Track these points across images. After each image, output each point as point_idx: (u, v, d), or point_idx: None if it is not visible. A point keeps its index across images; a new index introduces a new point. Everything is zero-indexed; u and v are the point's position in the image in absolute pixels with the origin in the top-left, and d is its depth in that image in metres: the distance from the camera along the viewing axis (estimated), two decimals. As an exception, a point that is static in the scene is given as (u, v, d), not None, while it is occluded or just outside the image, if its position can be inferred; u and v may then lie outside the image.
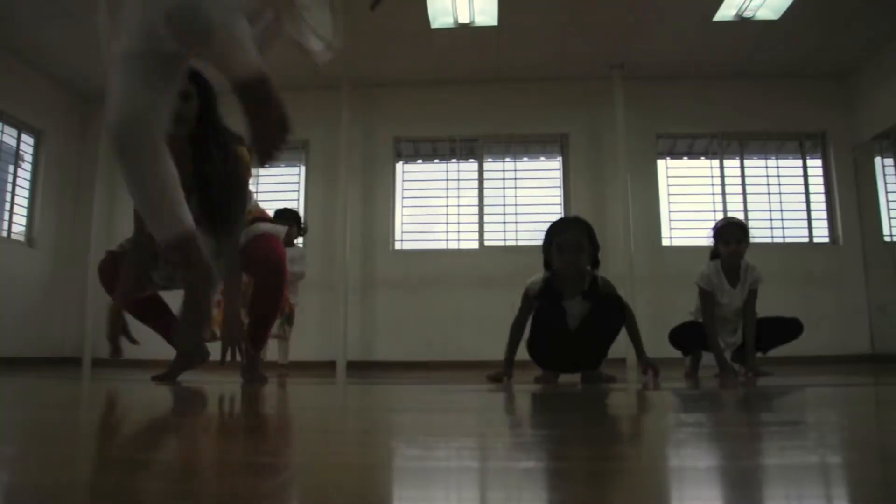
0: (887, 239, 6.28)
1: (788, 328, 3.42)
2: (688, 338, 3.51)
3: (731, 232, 3.37)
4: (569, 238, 2.73)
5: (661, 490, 0.57)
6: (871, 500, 0.53)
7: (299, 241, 5.01)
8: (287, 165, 7.14)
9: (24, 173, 6.62)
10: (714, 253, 3.46)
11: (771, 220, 6.67)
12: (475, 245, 6.79)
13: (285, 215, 4.70)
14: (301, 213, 6.88)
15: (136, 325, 2.43)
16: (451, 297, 6.53)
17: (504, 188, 6.91)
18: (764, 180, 6.79)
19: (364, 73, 6.71)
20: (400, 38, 6.11)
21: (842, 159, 6.65)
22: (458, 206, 6.89)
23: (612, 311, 2.78)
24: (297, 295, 4.71)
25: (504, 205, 6.88)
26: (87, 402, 1.83)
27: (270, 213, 3.54)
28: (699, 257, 3.56)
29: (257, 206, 2.74)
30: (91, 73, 6.29)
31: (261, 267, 2.47)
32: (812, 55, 6.35)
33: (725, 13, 5.70)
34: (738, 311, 3.38)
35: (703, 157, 6.94)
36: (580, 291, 2.79)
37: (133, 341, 2.33)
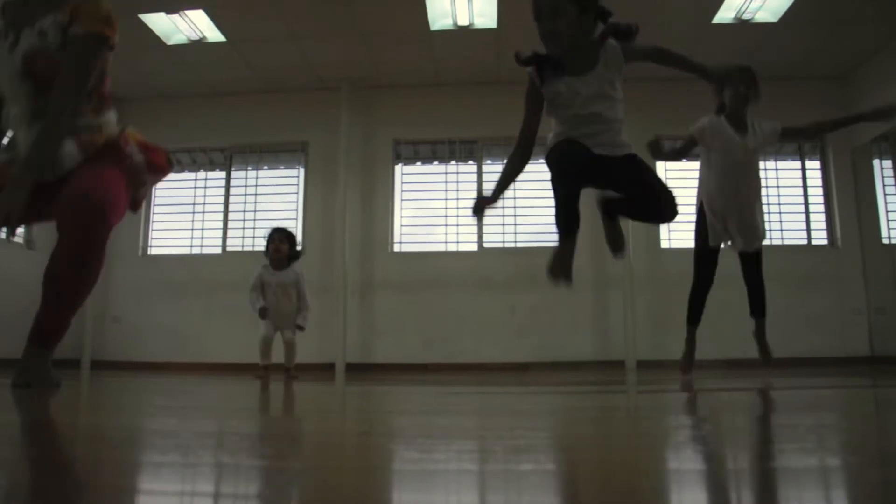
0: (886, 241, 6.28)
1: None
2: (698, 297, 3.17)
3: (741, 77, 2.98)
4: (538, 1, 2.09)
5: (660, 492, 0.57)
6: (870, 502, 0.53)
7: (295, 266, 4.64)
8: (286, 167, 7.14)
9: (23, 175, 6.61)
10: (719, 108, 3.13)
11: (769, 221, 6.66)
12: (474, 247, 6.79)
13: (280, 234, 4.47)
14: (300, 215, 6.92)
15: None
16: (450, 299, 6.53)
17: (503, 190, 6.92)
18: (762, 181, 6.80)
19: (363, 75, 6.72)
20: (399, 40, 6.12)
21: (840, 161, 6.66)
22: (458, 207, 6.89)
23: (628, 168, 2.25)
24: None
25: (503, 206, 6.88)
26: (86, 404, 1.83)
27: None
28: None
29: (124, 131, 2.09)
30: (90, 74, 6.28)
31: (70, 207, 1.84)
32: (811, 57, 6.35)
33: (724, 15, 5.71)
34: (753, 164, 3.01)
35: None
36: (590, 64, 2.17)
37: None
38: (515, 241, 6.76)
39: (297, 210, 6.90)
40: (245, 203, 6.91)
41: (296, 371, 4.51)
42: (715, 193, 3.14)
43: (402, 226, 6.94)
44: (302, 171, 7.06)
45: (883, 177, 6.39)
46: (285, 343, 4.46)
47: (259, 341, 4.38)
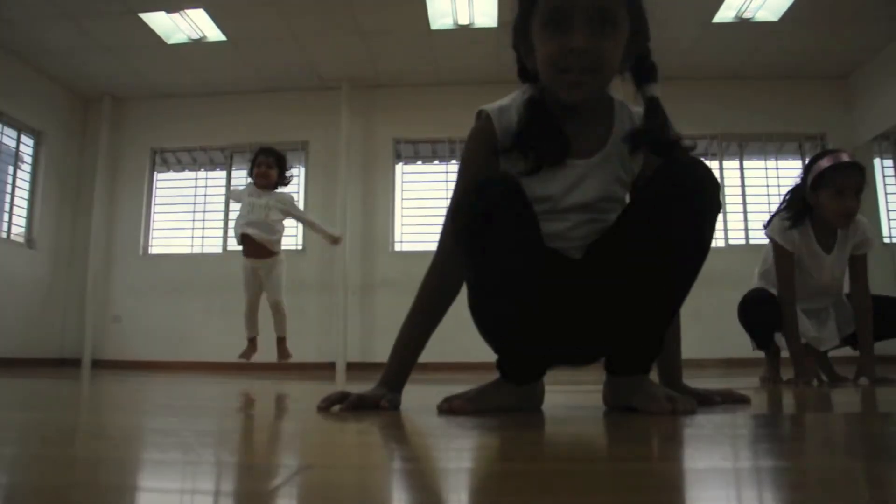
0: (886, 240, 6.28)
1: None
2: (761, 315, 2.39)
3: (849, 175, 2.19)
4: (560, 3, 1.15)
5: (660, 491, 0.57)
6: (870, 502, 0.53)
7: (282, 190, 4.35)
8: (286, 166, 7.15)
9: (24, 174, 6.62)
10: (795, 201, 2.29)
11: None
12: (474, 246, 6.79)
13: (268, 157, 4.00)
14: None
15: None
16: (450, 299, 6.54)
17: (503, 189, 6.92)
18: (763, 181, 6.79)
19: (364, 74, 6.72)
20: (400, 40, 6.12)
21: (841, 161, 6.66)
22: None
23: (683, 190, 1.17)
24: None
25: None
26: (86, 403, 1.83)
27: None
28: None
29: None
30: (91, 74, 6.29)
31: None
32: (811, 56, 6.35)
33: (725, 14, 5.71)
34: (831, 286, 2.32)
35: (702, 159, 6.96)
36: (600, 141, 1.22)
37: None
38: (516, 241, 6.76)
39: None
40: (245, 202, 6.90)
41: (284, 354, 4.07)
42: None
43: (402, 225, 6.94)
44: (302, 170, 7.07)
45: (884, 176, 6.39)
46: (272, 307, 3.96)
47: (244, 311, 3.97)
